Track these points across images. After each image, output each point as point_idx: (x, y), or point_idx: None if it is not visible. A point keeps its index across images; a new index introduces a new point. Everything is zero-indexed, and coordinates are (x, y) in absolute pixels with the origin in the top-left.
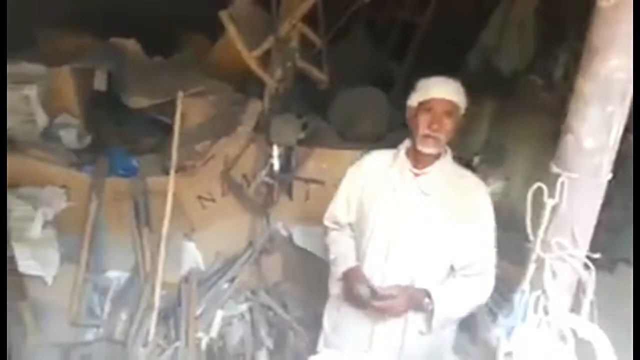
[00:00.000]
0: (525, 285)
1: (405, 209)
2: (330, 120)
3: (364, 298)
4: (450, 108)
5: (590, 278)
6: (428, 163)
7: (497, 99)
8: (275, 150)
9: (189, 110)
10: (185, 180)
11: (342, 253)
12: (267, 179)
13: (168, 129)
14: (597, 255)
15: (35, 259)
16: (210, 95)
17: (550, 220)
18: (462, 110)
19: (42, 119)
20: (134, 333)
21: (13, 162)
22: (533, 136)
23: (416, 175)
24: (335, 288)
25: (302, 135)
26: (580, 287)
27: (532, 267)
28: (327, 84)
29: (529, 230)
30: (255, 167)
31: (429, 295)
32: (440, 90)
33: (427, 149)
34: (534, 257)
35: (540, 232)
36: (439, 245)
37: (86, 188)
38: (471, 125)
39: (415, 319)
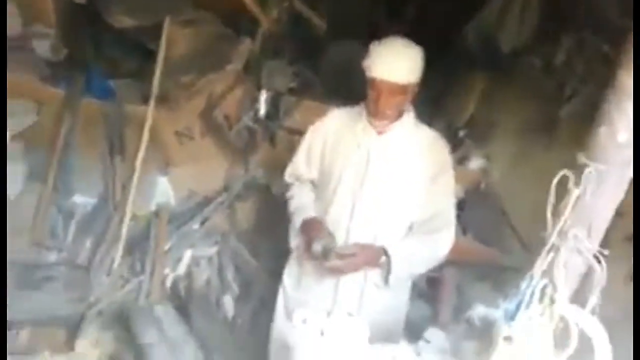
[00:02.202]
0: (535, 271)
1: (369, 166)
2: (320, 72)
3: (316, 255)
4: (399, 89)
5: (602, 272)
6: (390, 121)
7: (491, 76)
8: (264, 95)
9: (176, 38)
10: (165, 113)
11: (302, 204)
12: (250, 124)
13: (151, 56)
14: (606, 252)
15: None
16: (200, 26)
17: (571, 210)
18: (415, 82)
19: (15, 21)
20: (98, 261)
21: None
22: (523, 119)
23: (380, 133)
24: (295, 241)
25: (292, 84)
26: (586, 280)
27: (544, 256)
28: (323, 30)
29: (548, 218)
30: (239, 109)
31: (386, 252)
32: (387, 72)
33: (378, 121)
34: (548, 245)
35: (561, 221)
36: (402, 202)
37: (59, 105)
38: (460, 99)
39: (373, 273)
